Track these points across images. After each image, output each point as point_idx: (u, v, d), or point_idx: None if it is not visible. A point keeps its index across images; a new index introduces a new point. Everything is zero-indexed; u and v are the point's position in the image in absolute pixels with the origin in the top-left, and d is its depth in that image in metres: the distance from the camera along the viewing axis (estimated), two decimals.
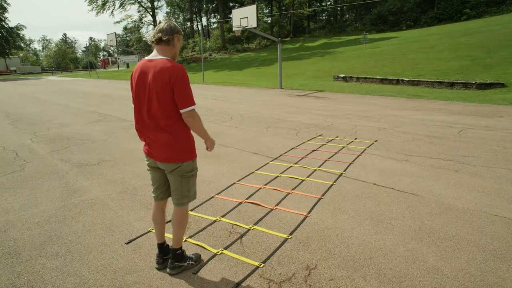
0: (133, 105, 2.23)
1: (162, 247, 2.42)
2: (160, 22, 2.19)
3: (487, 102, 9.74)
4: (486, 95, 10.81)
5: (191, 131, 2.22)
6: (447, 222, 2.97)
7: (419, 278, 2.23)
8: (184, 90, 2.03)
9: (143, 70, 2.08)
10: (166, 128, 2.10)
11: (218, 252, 2.58)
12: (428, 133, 6.31)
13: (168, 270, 2.35)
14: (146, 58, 2.14)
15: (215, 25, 56.69)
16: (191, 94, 2.09)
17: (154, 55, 2.12)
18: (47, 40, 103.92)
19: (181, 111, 2.07)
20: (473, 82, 12.13)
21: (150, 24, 49.23)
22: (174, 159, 2.15)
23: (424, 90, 12.81)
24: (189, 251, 2.58)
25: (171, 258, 2.35)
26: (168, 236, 2.63)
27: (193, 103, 2.10)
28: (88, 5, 46.47)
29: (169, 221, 2.89)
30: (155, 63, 2.05)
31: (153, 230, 2.91)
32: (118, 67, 59.14)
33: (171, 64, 2.02)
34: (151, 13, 46.74)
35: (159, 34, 2.08)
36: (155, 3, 47.17)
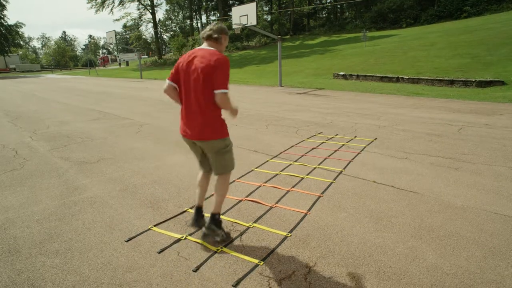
0: (173, 83, 2.52)
1: (199, 210, 2.77)
2: (211, 23, 2.59)
3: (487, 100, 9.73)
4: (486, 93, 10.80)
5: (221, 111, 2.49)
6: (447, 219, 2.97)
7: (419, 275, 2.23)
8: (223, 75, 2.32)
9: (195, 55, 2.40)
10: (208, 108, 2.39)
11: (218, 249, 2.58)
12: (428, 131, 6.31)
13: (204, 230, 2.62)
14: (197, 48, 2.47)
15: (214, 23, 56.52)
16: (227, 80, 2.37)
17: (205, 46, 2.46)
18: (46, 38, 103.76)
19: (215, 91, 2.32)
20: (473, 80, 12.12)
21: (150, 22, 49.09)
22: (206, 137, 2.45)
23: (424, 88, 12.80)
24: (189, 249, 2.59)
25: (209, 221, 2.62)
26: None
27: (226, 88, 2.35)
28: (88, 3, 46.24)
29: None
30: (205, 50, 2.40)
31: (153, 228, 2.92)
32: (119, 64, 59.01)
33: (219, 53, 2.39)
34: (150, 10, 46.58)
35: (210, 32, 2.45)
36: (155, 1, 47.01)
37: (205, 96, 2.36)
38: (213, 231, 2.60)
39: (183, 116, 2.53)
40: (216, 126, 2.46)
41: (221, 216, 3.11)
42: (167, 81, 2.54)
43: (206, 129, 2.43)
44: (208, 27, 2.50)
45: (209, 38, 2.46)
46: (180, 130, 2.62)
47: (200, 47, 2.47)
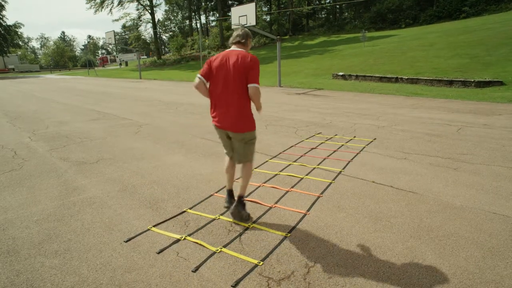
0: (204, 78, 2.82)
1: (230, 192, 3.16)
2: (237, 29, 2.94)
3: (486, 100, 9.75)
4: (485, 93, 10.82)
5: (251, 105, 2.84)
6: (446, 220, 2.97)
7: (418, 275, 2.24)
8: (256, 72, 2.72)
9: (228, 56, 2.76)
10: (240, 103, 2.74)
11: (217, 250, 2.58)
12: (427, 131, 6.32)
13: (232, 209, 3.00)
14: (229, 49, 2.84)
15: (213, 23, 56.54)
16: (258, 77, 2.75)
17: (234, 48, 2.84)
18: (45, 38, 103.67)
19: (249, 85, 2.70)
20: (472, 80, 12.14)
21: (149, 22, 49.05)
22: (243, 128, 2.81)
23: (423, 88, 12.81)
24: (188, 249, 2.59)
25: (236, 203, 2.98)
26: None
27: (258, 83, 2.73)
28: (87, 3, 46.17)
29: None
30: (238, 52, 2.77)
31: (152, 229, 2.92)
32: (120, 64, 58.88)
33: (250, 54, 2.78)
34: (149, 11, 46.54)
35: (238, 38, 2.86)
36: (154, 1, 46.97)
37: (240, 91, 2.72)
38: (239, 211, 2.97)
39: (218, 109, 2.84)
40: (248, 119, 2.83)
41: (220, 217, 3.13)
42: (198, 76, 2.82)
43: (239, 121, 2.78)
44: (235, 34, 2.88)
45: (238, 42, 2.85)
46: (213, 121, 2.92)
47: (230, 49, 2.85)
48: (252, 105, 2.87)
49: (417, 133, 6.14)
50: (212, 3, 53.02)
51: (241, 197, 2.99)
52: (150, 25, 51.52)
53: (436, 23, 32.17)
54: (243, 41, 2.86)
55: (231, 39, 2.91)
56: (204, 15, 62.28)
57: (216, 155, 5.09)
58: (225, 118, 2.80)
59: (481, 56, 15.40)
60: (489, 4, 31.20)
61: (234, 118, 2.77)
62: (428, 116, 7.71)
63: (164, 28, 71.95)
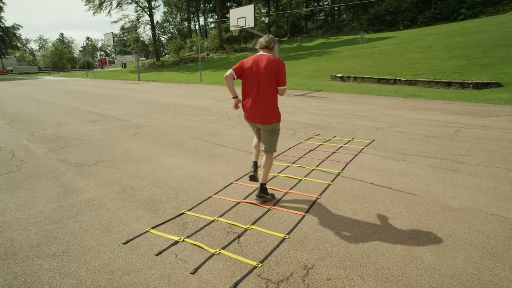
0: (235, 74, 3.25)
1: (256, 163, 3.67)
2: (264, 36, 3.37)
3: (483, 102, 9.79)
4: (482, 95, 10.86)
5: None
6: (444, 221, 2.98)
7: (417, 277, 2.24)
8: (284, 75, 3.25)
9: (258, 59, 3.24)
10: (268, 99, 3.26)
11: (216, 252, 2.57)
12: (425, 132, 6.33)
13: (255, 197, 3.47)
14: (258, 53, 3.32)
15: (212, 25, 56.58)
16: (286, 78, 3.27)
17: (263, 52, 3.31)
18: (43, 39, 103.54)
19: (279, 87, 3.28)
20: (470, 81, 12.19)
21: (148, 23, 49.05)
22: (270, 120, 3.31)
23: (421, 89, 12.85)
24: (187, 251, 2.59)
25: (259, 190, 3.46)
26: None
27: (286, 84, 3.30)
28: (85, 5, 46.06)
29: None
30: (267, 56, 3.25)
31: (151, 231, 2.92)
32: (122, 66, 58.51)
33: (278, 58, 3.26)
34: (148, 13, 46.56)
35: (266, 43, 3.31)
36: (152, 3, 46.97)
37: (269, 90, 3.24)
38: (262, 196, 3.45)
39: (249, 104, 3.33)
40: (275, 113, 3.33)
41: (219, 219, 3.13)
42: (231, 70, 3.26)
43: (268, 115, 3.28)
44: (263, 39, 3.33)
45: (265, 47, 3.31)
46: (244, 115, 3.45)
47: (259, 53, 3.31)
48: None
49: (416, 135, 6.16)
50: (211, 5, 53.07)
51: (263, 185, 3.46)
52: (148, 26, 51.51)
53: (433, 25, 32.31)
54: (270, 46, 3.32)
55: (258, 44, 3.37)
56: (203, 17, 62.35)
57: (214, 157, 5.09)
58: (256, 112, 3.30)
59: (479, 57, 15.47)
60: (486, 6, 31.37)
61: (263, 112, 3.27)
62: (426, 118, 7.73)
63: (162, 30, 71.99)
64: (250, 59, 3.28)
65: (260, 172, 3.60)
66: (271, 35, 3.37)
